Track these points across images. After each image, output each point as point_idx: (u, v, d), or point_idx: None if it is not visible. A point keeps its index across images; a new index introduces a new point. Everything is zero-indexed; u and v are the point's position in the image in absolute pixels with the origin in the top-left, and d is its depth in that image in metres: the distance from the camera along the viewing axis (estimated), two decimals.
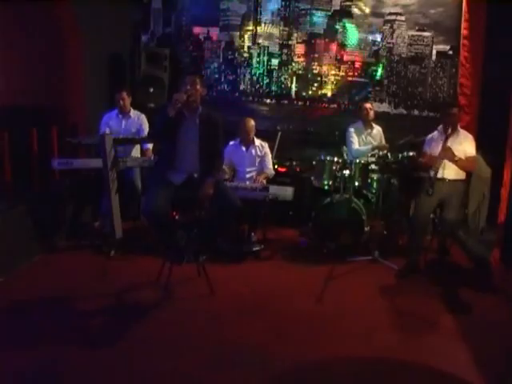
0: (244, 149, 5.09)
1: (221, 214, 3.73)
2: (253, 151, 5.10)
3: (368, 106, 5.41)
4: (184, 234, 3.76)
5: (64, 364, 2.81)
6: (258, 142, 5.12)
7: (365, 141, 5.38)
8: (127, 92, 5.26)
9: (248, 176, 5.03)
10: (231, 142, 5.16)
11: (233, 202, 3.74)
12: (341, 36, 6.43)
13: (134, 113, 5.29)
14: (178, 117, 3.67)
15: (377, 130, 5.47)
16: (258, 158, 5.10)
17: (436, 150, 4.50)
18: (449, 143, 4.37)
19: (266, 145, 5.18)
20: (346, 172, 4.82)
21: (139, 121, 5.27)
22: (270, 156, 5.18)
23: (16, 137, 4.56)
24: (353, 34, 6.40)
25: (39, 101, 5.06)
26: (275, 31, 6.56)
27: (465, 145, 4.40)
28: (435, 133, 4.64)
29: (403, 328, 3.46)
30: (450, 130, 4.35)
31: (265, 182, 4.94)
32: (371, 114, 5.38)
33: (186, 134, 3.78)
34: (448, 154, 4.26)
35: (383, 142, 5.41)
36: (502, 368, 2.97)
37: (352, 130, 5.41)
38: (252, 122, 5.05)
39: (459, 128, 4.52)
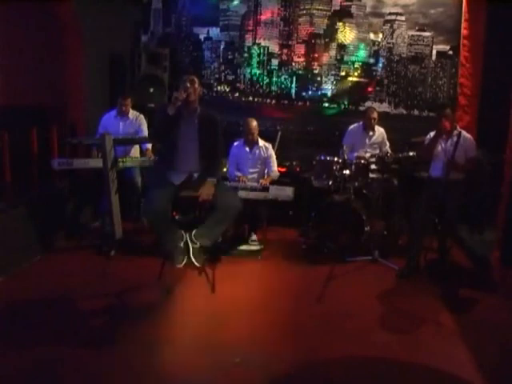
0: (248, 149, 5.09)
1: (221, 213, 3.73)
2: (257, 152, 5.09)
3: (374, 116, 5.33)
4: (184, 234, 3.75)
5: (64, 364, 2.81)
6: (261, 142, 5.12)
7: (360, 143, 5.36)
8: (131, 98, 5.29)
9: (250, 177, 5.02)
10: (235, 143, 5.16)
11: (233, 202, 3.74)
12: (341, 36, 6.44)
13: (132, 113, 5.29)
14: (178, 117, 3.67)
15: (378, 133, 5.40)
16: (261, 160, 5.10)
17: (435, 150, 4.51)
18: (448, 146, 4.38)
19: (270, 146, 5.18)
20: (346, 172, 4.83)
21: (138, 121, 5.27)
22: (274, 157, 5.17)
23: (16, 137, 4.55)
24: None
25: (39, 101, 5.06)
26: (275, 31, 6.57)
27: (465, 146, 4.39)
28: (433, 133, 4.64)
29: (403, 328, 3.46)
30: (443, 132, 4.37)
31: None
32: (374, 123, 5.34)
33: (185, 134, 3.77)
34: (454, 166, 4.26)
35: (387, 145, 5.37)
36: (502, 368, 2.97)
37: (349, 130, 5.43)
38: (255, 122, 5.04)
39: (459, 129, 4.52)
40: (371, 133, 5.38)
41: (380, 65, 6.44)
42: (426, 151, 4.56)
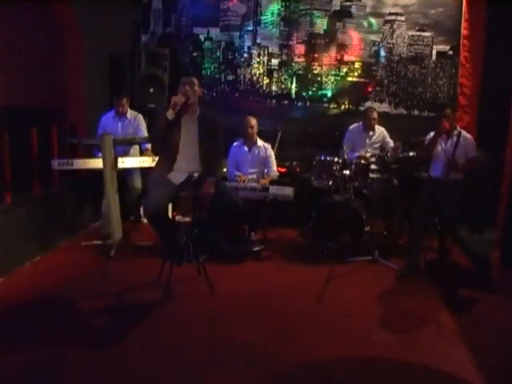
0: (247, 149, 5.08)
1: (221, 213, 3.73)
2: (255, 152, 5.09)
3: (374, 116, 5.33)
4: (184, 233, 3.75)
5: (64, 364, 2.81)
6: (260, 142, 5.11)
7: (361, 143, 5.36)
8: (127, 98, 5.27)
9: (250, 177, 5.02)
10: (235, 143, 5.16)
11: (234, 202, 3.74)
12: (341, 36, 6.44)
13: (130, 113, 5.29)
14: (177, 118, 3.67)
15: (379, 133, 5.40)
16: (260, 160, 5.09)
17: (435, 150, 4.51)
18: (448, 146, 4.38)
19: (269, 146, 5.16)
20: (346, 172, 4.82)
21: (136, 121, 5.27)
22: (273, 157, 5.16)
23: (16, 137, 4.55)
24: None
25: (39, 101, 5.06)
26: (275, 31, 6.57)
27: (465, 146, 4.39)
28: (433, 133, 4.64)
29: (403, 328, 3.46)
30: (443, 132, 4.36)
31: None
32: (374, 123, 5.34)
33: (185, 135, 3.76)
34: (454, 166, 4.26)
35: (390, 143, 5.35)
36: (502, 368, 2.97)
37: (349, 130, 5.43)
38: (254, 120, 5.03)
39: (459, 129, 4.52)
40: (371, 133, 5.37)
41: (380, 65, 6.44)
42: (425, 151, 4.56)
